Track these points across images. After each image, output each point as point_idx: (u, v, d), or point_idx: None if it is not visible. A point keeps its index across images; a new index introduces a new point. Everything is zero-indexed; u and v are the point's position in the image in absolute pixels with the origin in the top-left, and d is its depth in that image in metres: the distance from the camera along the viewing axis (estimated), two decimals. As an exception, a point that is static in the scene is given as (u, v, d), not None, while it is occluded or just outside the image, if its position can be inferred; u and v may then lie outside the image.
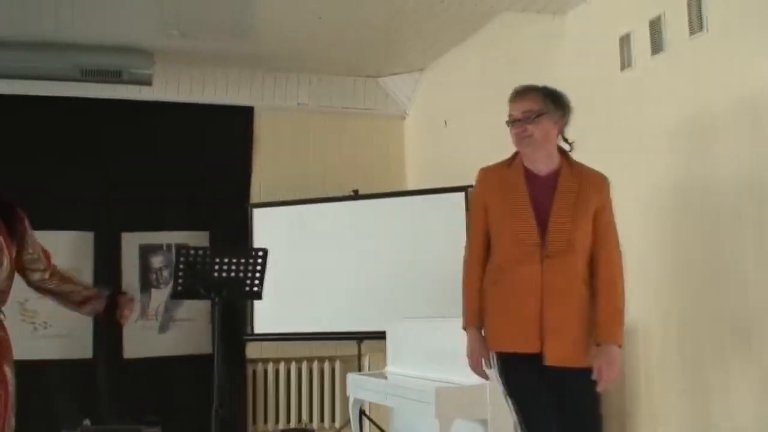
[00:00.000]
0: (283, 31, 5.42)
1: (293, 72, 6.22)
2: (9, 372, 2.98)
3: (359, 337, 5.60)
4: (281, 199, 5.88)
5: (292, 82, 6.26)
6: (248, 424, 5.94)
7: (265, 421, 6.01)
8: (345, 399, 5.79)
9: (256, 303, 5.64)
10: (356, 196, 5.86)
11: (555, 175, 2.99)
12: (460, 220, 5.19)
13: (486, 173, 3.12)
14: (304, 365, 6.11)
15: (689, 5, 3.77)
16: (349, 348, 5.79)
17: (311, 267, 5.73)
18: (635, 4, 4.17)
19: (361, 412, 5.25)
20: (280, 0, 4.88)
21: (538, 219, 2.93)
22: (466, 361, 3.10)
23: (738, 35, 3.54)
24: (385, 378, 4.76)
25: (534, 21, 4.88)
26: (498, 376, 3.02)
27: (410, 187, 6.24)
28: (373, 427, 5.49)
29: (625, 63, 4.22)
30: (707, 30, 3.69)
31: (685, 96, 3.81)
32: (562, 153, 3.06)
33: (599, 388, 2.86)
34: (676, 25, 3.87)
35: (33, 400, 5.40)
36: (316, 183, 6.02)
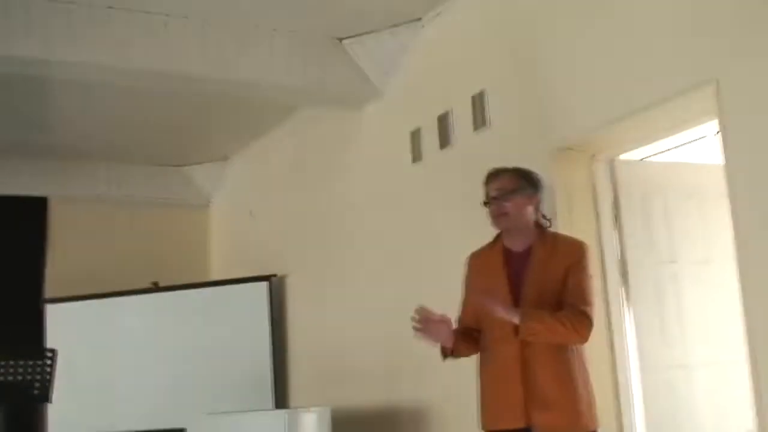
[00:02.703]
0: (83, 121, 5.32)
1: (91, 161, 6.06)
2: None
3: (160, 434, 5.39)
4: (77, 293, 5.60)
5: (89, 172, 6.08)
6: None
7: None
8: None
9: (52, 406, 5.27)
10: (156, 288, 5.71)
11: (530, 250, 3.03)
12: (264, 310, 5.17)
13: (470, 258, 3.17)
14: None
15: (473, 103, 4.05)
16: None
17: (111, 364, 5.50)
18: (425, 102, 4.42)
19: None
20: (77, 92, 4.79)
21: (514, 296, 2.96)
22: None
23: (515, 129, 3.85)
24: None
25: (333, 115, 5.06)
26: None
27: (215, 277, 6.13)
28: None
29: (416, 156, 4.45)
30: (490, 125, 3.98)
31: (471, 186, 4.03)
32: (540, 228, 3.10)
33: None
34: (462, 121, 4.14)
35: None
36: (115, 276, 5.78)
